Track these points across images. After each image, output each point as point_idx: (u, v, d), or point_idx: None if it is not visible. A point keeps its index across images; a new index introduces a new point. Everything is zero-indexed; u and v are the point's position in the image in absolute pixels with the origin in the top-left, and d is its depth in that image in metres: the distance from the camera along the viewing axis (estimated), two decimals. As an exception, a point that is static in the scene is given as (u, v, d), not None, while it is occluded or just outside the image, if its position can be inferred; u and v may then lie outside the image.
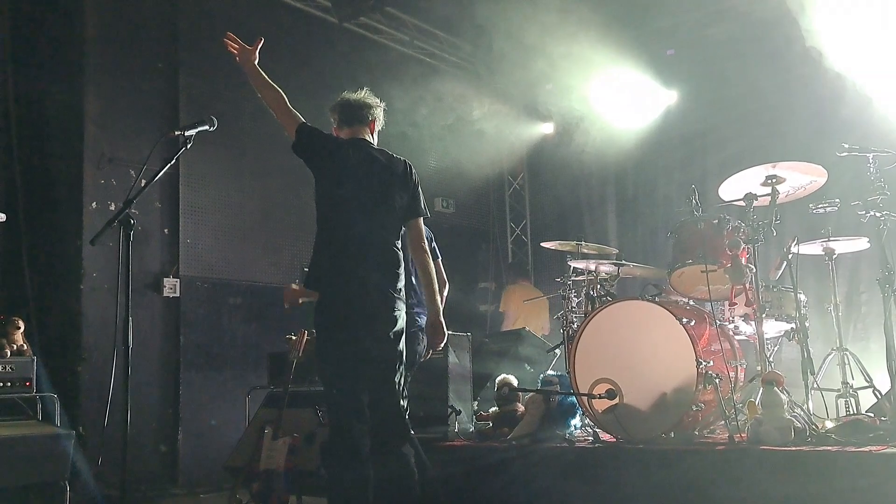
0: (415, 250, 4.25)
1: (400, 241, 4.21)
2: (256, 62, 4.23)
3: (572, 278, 6.71)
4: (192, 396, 7.43)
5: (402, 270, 4.14)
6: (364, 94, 4.38)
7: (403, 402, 4.25)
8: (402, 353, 4.11)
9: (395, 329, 4.07)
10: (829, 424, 4.71)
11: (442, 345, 4.25)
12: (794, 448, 4.33)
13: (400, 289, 4.11)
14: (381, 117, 4.43)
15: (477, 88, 9.84)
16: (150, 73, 7.63)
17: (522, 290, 9.52)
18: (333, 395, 4.04)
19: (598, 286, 6.34)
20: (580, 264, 6.55)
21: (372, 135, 4.37)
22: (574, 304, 6.64)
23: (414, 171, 4.33)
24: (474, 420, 5.88)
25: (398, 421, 4.11)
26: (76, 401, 6.67)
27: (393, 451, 4.03)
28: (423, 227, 4.31)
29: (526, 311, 8.99)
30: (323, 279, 4.06)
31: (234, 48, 4.28)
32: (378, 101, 4.40)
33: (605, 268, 6.43)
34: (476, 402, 6.13)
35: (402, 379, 4.17)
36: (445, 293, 4.82)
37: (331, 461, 4.00)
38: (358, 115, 4.32)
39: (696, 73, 9.21)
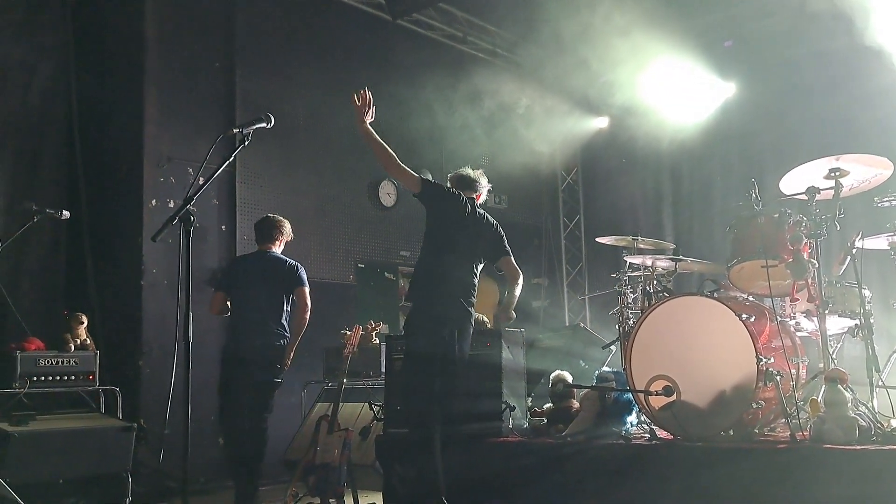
0: (510, 282, 5.44)
1: (477, 275, 5.29)
2: (370, 123, 4.98)
3: (628, 274, 6.65)
4: (249, 391, 7.50)
5: (475, 294, 5.24)
6: (478, 174, 5.53)
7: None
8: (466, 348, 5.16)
9: (465, 334, 5.12)
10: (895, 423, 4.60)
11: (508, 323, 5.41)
12: (858, 447, 4.21)
13: (472, 303, 5.20)
14: (486, 194, 5.56)
15: (530, 83, 9.78)
16: (208, 73, 7.75)
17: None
18: (411, 374, 5.11)
19: (655, 282, 6.27)
20: (636, 260, 6.49)
21: (476, 202, 5.42)
22: (630, 300, 6.59)
23: (499, 227, 5.45)
24: (528, 416, 5.85)
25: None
26: (137, 394, 6.80)
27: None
28: (513, 261, 5.45)
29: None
30: (418, 292, 5.19)
31: (361, 106, 4.93)
32: (487, 181, 5.55)
33: (662, 263, 6.36)
34: (530, 399, 6.09)
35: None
36: (519, 286, 5.51)
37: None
38: (472, 185, 5.48)
39: (755, 65, 9.05)
